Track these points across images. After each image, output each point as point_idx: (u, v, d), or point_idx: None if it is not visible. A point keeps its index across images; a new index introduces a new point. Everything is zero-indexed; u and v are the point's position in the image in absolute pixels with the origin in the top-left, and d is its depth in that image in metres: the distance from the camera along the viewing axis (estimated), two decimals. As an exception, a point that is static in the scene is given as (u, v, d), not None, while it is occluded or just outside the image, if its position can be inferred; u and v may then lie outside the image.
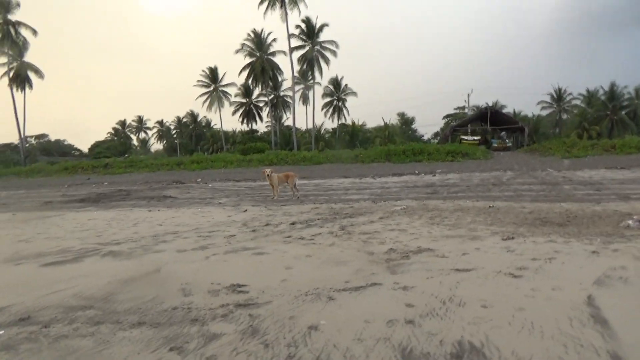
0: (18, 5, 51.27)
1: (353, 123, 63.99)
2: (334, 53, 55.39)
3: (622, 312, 2.73)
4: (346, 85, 68.47)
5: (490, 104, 52.38)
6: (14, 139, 54.89)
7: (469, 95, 54.37)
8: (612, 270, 3.62)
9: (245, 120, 72.58)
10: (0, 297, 3.56)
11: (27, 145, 65.58)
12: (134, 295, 3.45)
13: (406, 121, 78.82)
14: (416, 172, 20.93)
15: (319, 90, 66.28)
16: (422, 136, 72.22)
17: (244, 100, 71.19)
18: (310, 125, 61.02)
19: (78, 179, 31.58)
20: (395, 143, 41.21)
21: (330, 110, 70.24)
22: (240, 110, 71.88)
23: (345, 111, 69.37)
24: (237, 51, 58.54)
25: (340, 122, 67.56)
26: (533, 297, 3.07)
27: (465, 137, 39.64)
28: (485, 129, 45.09)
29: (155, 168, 33.77)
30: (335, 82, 67.98)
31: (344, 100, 69.57)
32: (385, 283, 3.52)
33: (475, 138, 40.24)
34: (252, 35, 59.08)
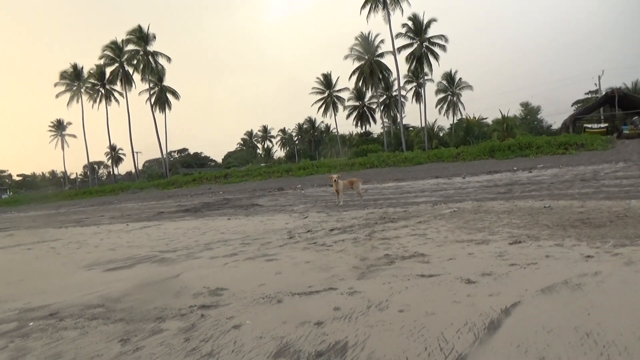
0: (154, 37, 58.75)
1: (467, 118, 61.29)
2: (444, 48, 53.87)
3: (527, 321, 2.72)
4: (460, 79, 65.96)
5: (624, 86, 46.43)
6: (159, 154, 62.97)
7: (599, 77, 48.90)
8: (579, 276, 3.46)
9: (359, 123, 73.81)
10: (54, 297, 4.58)
11: (171, 159, 74.58)
12: (137, 297, 4.20)
13: (530, 111, 73.12)
14: (514, 168, 19.72)
15: (430, 88, 64.87)
16: (550, 126, 66.09)
17: (356, 104, 72.45)
18: (424, 124, 59.87)
19: (201, 189, 35.24)
20: (515, 136, 38.70)
21: (445, 106, 68.20)
22: (354, 114, 73.25)
23: (460, 106, 66.82)
24: (347, 57, 59.87)
25: (458, 118, 65.32)
26: (459, 302, 3.15)
27: (589, 126, 35.74)
28: (614, 115, 40.08)
29: (267, 176, 36.27)
30: (449, 77, 65.93)
31: (458, 95, 67.09)
32: (340, 288, 3.81)
33: (602, 126, 36.00)
34: (359, 39, 59.97)
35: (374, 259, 4.83)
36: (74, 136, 72.81)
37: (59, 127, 73.64)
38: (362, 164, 32.72)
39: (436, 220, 7.25)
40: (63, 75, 62.81)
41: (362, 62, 58.17)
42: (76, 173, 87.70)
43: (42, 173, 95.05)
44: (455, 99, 65.92)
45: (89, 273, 5.83)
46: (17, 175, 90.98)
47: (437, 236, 5.78)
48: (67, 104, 63.45)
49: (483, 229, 5.97)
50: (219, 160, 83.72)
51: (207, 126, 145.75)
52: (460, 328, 2.69)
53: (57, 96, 63.00)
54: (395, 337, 2.65)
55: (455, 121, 64.40)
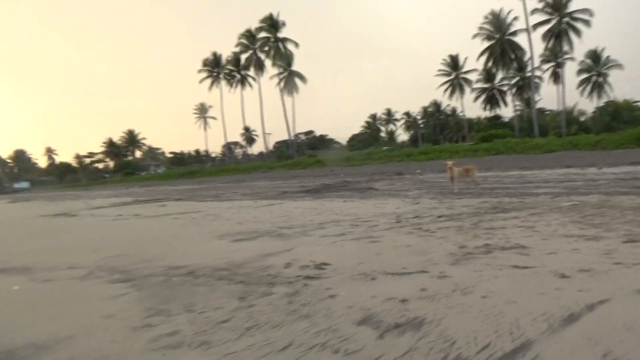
0: (284, 24, 61.88)
1: (615, 101, 54.38)
2: (587, 23, 48.33)
3: (608, 318, 2.74)
4: (608, 57, 58.63)
5: None
6: (287, 136, 66.99)
7: None
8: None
9: (487, 106, 69.92)
10: (192, 259, 5.53)
11: (298, 141, 78.52)
12: (256, 265, 4.91)
13: None
14: (668, 158, 17.28)
15: (571, 67, 58.81)
16: None
17: (485, 86, 68.69)
18: (562, 107, 54.72)
19: (324, 171, 36.76)
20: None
21: (588, 87, 61.41)
22: (482, 96, 69.55)
23: (607, 87, 59.61)
24: (475, 35, 56.90)
25: (604, 101, 58.43)
26: (544, 294, 3.22)
27: None
28: None
29: (387, 159, 36.53)
30: (594, 55, 59.02)
31: (605, 75, 59.84)
32: (432, 272, 4.06)
33: None
34: (489, 17, 56.45)
35: (472, 247, 4.94)
36: (214, 118, 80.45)
37: (202, 110, 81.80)
38: (486, 150, 31.23)
39: (551, 213, 6.95)
40: (205, 62, 69.47)
41: (492, 41, 54.81)
42: (215, 152, 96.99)
43: (189, 151, 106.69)
44: (601, 79, 58.78)
45: (220, 242, 6.80)
46: (169, 153, 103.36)
47: (545, 229, 5.63)
48: (209, 89, 70.14)
49: (600, 224, 5.65)
50: (344, 142, 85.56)
51: (333, 109, 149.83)
52: (536, 317, 2.82)
53: (200, 82, 69.96)
54: (470, 319, 2.88)
55: (600, 104, 57.58)
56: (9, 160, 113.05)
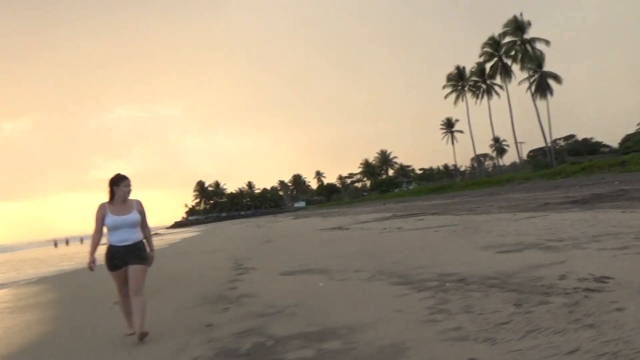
0: (529, 24, 57.32)
1: None
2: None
3: None
4: None
5: None
6: (543, 143, 61.20)
7: None
8: None
9: None
10: (459, 268, 5.88)
11: (556, 147, 70.93)
12: (526, 275, 4.92)
13: None
14: None
15: None
16: None
17: None
18: None
19: (592, 179, 32.21)
20: None
21: None
22: None
23: None
24: None
25: None
26: None
27: None
28: None
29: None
30: None
31: None
32: None
33: None
34: None
35: None
36: (461, 132, 79.45)
37: (449, 125, 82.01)
38: None
39: None
40: (449, 77, 69.69)
41: None
42: (464, 165, 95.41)
43: (437, 166, 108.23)
44: None
45: (484, 253, 6.96)
46: (419, 169, 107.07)
47: None
48: (454, 103, 69.94)
49: None
50: (615, 145, 72.28)
51: (597, 108, 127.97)
52: None
53: (445, 97, 70.46)
54: None
55: None
56: (289, 184, 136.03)
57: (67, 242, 58.83)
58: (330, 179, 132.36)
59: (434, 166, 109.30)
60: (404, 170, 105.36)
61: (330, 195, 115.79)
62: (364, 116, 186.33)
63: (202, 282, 7.79)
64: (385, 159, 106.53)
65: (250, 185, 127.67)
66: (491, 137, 76.61)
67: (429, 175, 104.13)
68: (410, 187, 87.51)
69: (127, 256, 4.29)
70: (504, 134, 78.88)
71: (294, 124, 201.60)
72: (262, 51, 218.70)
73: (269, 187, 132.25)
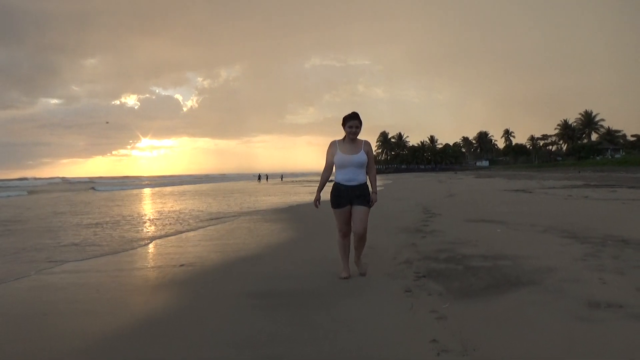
0: None
1: None
2: None
3: None
4: None
5: None
6: None
7: None
8: None
9: None
10: (631, 234, 6.77)
11: None
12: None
13: None
14: None
15: None
16: None
17: None
18: None
19: None
20: None
21: None
22: None
23: None
24: None
25: None
26: None
27: None
28: None
29: None
30: None
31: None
32: None
33: None
34: None
35: None
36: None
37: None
38: None
39: None
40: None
41: None
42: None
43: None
44: None
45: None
46: (632, 136, 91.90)
47: None
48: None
49: None
50: None
51: None
52: None
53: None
54: None
55: None
56: (473, 141, 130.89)
57: (267, 178, 67.56)
58: (520, 139, 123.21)
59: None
60: (611, 136, 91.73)
61: (517, 157, 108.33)
62: (566, 69, 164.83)
63: (400, 220, 9.92)
64: (589, 120, 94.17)
65: (432, 139, 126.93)
66: None
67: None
68: (617, 156, 76.47)
69: (352, 196, 4.40)
70: None
71: (488, 77, 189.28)
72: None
73: (451, 143, 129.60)
